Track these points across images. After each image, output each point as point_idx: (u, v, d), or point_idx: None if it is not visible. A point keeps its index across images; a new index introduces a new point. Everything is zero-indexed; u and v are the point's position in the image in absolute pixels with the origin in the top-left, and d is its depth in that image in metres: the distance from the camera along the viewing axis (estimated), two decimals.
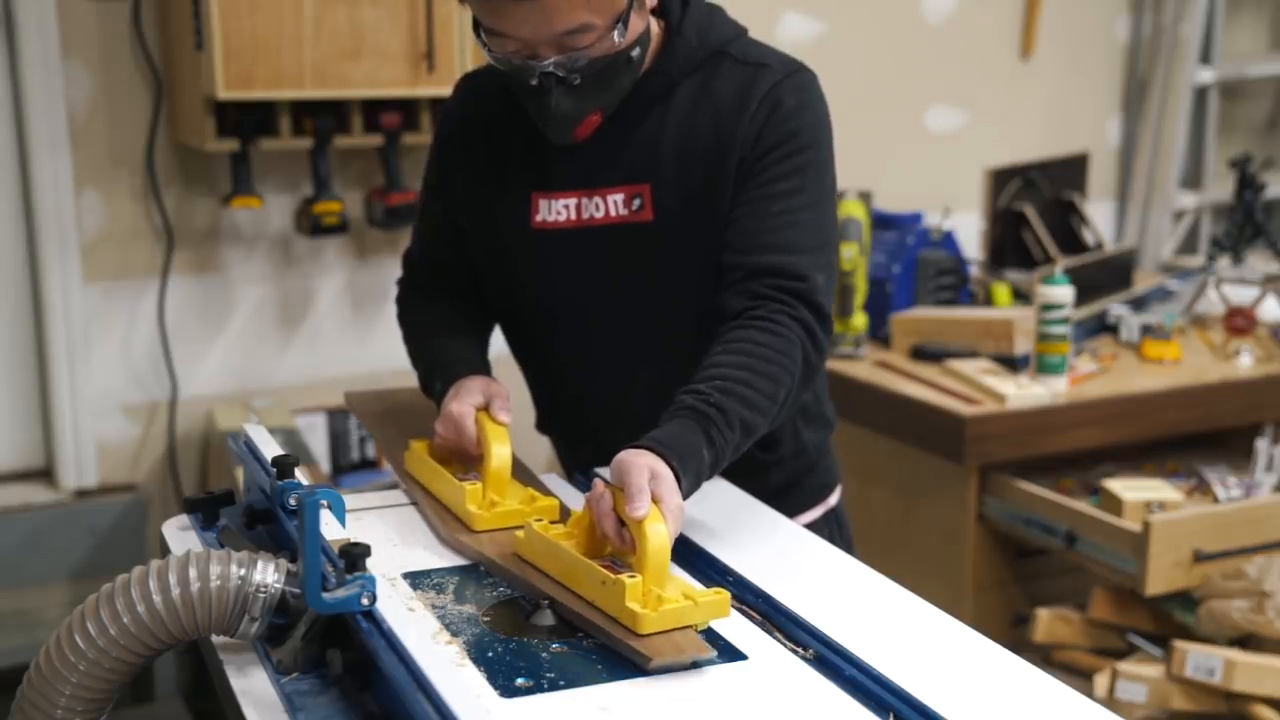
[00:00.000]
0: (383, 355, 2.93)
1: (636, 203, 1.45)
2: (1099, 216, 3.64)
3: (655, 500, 1.18)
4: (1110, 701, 2.30)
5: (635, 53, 1.38)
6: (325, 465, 2.79)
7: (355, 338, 2.91)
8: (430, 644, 1.01)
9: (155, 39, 2.59)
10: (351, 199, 2.76)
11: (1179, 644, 2.30)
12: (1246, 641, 2.35)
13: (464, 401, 1.43)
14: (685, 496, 1.23)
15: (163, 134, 2.63)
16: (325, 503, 1.12)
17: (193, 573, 1.05)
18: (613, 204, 1.46)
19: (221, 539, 1.29)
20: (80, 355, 2.64)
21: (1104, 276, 3.06)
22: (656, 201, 1.44)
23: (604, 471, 1.28)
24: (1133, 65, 3.79)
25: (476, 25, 1.37)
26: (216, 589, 1.06)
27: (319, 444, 2.78)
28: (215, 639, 1.11)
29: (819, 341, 1.40)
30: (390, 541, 1.34)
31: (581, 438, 1.63)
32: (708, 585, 1.23)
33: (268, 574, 1.07)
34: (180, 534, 1.35)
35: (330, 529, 1.12)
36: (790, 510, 1.53)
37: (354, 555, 1.04)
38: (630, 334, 1.51)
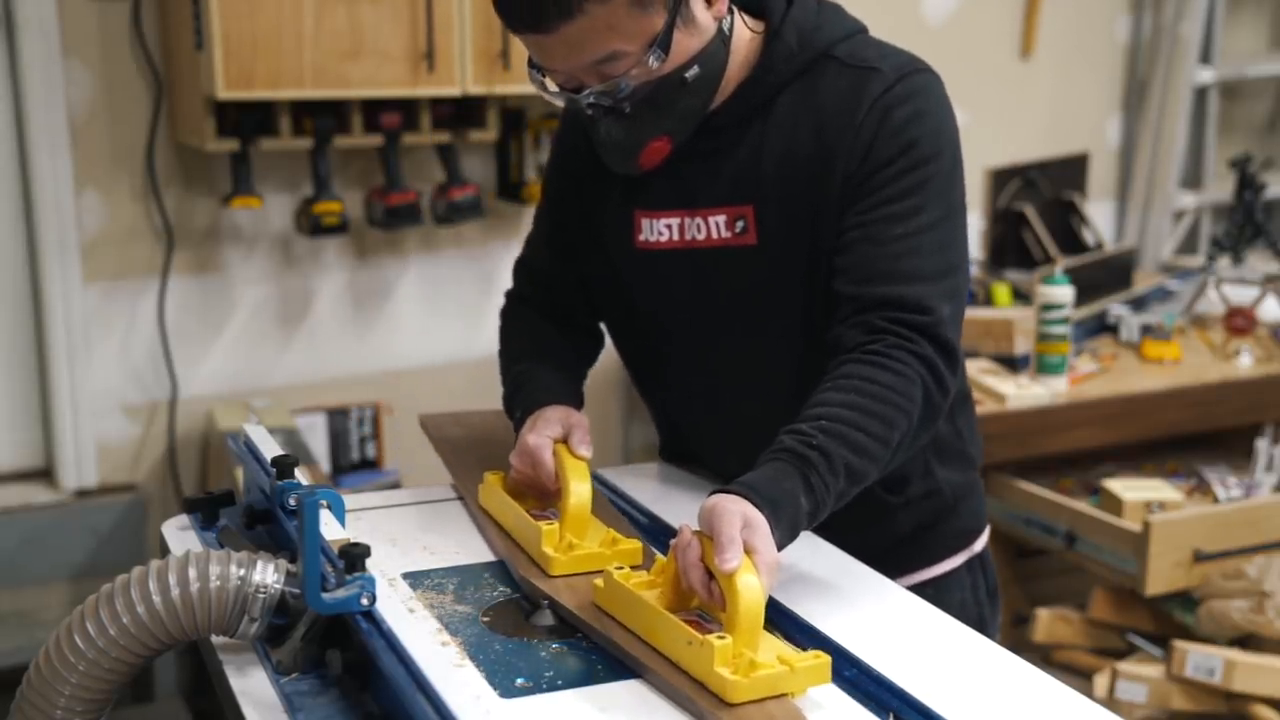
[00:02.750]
0: (383, 355, 2.93)
1: (740, 225, 1.33)
2: (1099, 216, 3.64)
3: (748, 552, 1.07)
4: (1110, 701, 2.30)
5: (691, 73, 1.27)
6: (325, 465, 2.79)
7: (355, 337, 2.91)
8: (430, 644, 1.00)
9: (155, 39, 2.59)
10: (351, 199, 2.76)
11: (1179, 644, 2.30)
12: (1246, 641, 2.35)
13: (541, 433, 1.33)
14: (779, 548, 1.12)
15: (163, 134, 2.63)
16: (325, 503, 1.12)
17: (192, 573, 1.05)
18: (715, 226, 1.35)
19: (221, 539, 1.28)
20: (80, 355, 2.64)
21: (1104, 276, 3.07)
22: (760, 224, 1.32)
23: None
24: (1133, 65, 3.79)
25: (530, 59, 1.29)
26: (216, 589, 1.05)
27: (319, 444, 2.78)
28: (215, 639, 1.11)
29: (943, 380, 1.25)
30: (390, 541, 1.34)
31: (695, 465, 1.54)
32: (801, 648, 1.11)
33: (267, 574, 1.07)
34: (180, 534, 1.35)
35: (330, 529, 1.12)
36: (923, 558, 1.43)
37: (354, 555, 1.04)
38: (735, 360, 1.41)
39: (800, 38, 1.32)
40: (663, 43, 1.23)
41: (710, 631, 1.04)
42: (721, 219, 1.34)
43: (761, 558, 1.07)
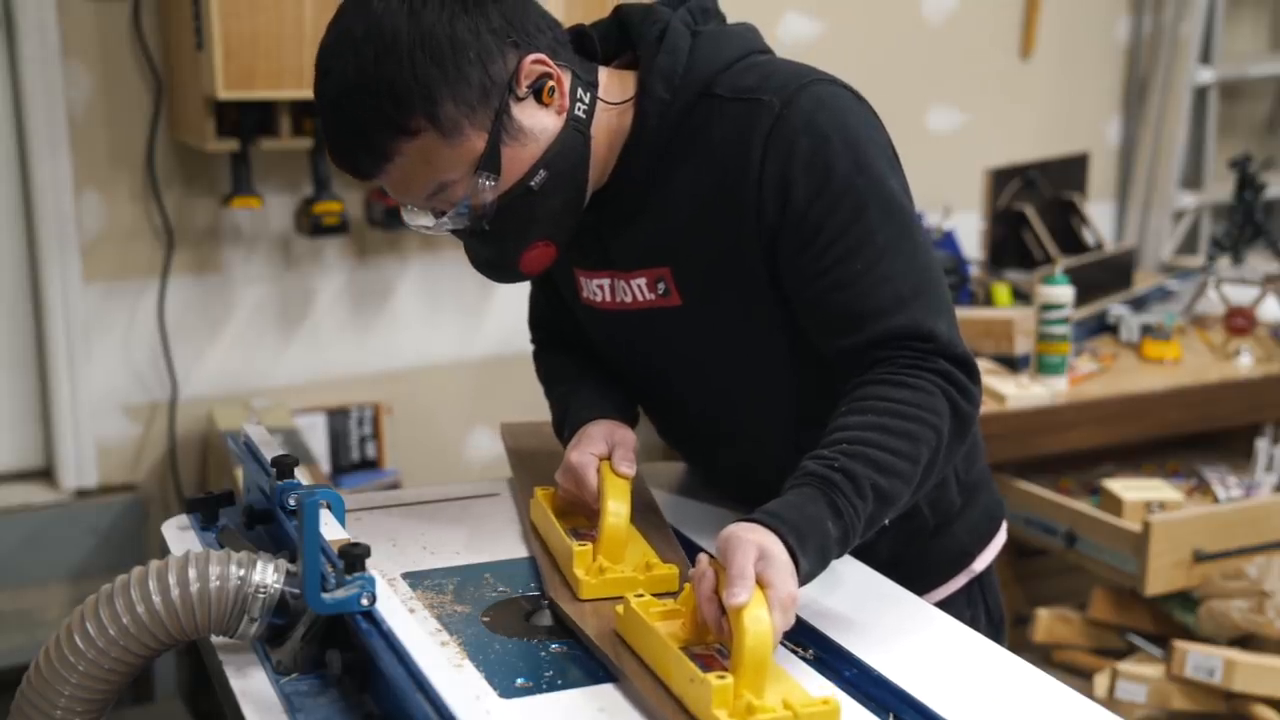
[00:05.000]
0: (383, 355, 2.93)
1: (661, 287, 1.28)
2: (1099, 216, 3.64)
3: (761, 586, 1.01)
4: (1110, 701, 2.29)
5: (538, 180, 1.20)
6: (325, 465, 2.79)
7: (355, 338, 2.90)
8: (429, 644, 0.99)
9: (155, 39, 2.58)
10: (351, 199, 2.75)
11: (1179, 644, 2.30)
12: (1246, 641, 2.35)
13: (585, 451, 1.29)
14: (808, 579, 1.07)
15: (163, 134, 2.62)
16: (325, 503, 1.12)
17: (192, 573, 1.05)
18: (637, 289, 1.30)
19: (221, 539, 1.28)
20: (80, 355, 2.64)
21: (1104, 276, 3.06)
22: (680, 284, 1.27)
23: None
24: (1133, 65, 3.79)
25: None
26: (216, 589, 1.05)
27: (319, 444, 2.78)
28: (215, 639, 1.11)
29: (967, 389, 1.18)
30: (390, 542, 1.34)
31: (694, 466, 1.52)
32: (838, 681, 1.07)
33: (267, 574, 1.07)
34: (180, 534, 1.35)
35: (330, 529, 1.12)
36: (907, 586, 1.32)
37: (353, 556, 1.04)
38: (695, 413, 1.38)
39: (668, 84, 1.23)
40: (488, 164, 1.18)
41: (721, 669, 0.99)
42: (643, 281, 1.30)
43: (775, 593, 1.01)
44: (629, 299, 1.32)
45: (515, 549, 1.34)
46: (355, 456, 2.83)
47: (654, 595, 1.11)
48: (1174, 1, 3.68)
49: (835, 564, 1.13)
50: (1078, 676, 2.43)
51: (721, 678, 0.96)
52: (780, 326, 1.27)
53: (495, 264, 1.27)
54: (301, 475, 1.24)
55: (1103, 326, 3.00)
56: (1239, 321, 2.94)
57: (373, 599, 1.04)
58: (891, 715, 1.03)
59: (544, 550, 1.30)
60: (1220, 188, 3.79)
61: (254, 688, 1.06)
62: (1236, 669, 2.25)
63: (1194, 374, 2.75)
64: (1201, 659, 2.27)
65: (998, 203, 3.12)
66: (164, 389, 2.72)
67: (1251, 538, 2.37)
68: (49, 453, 2.72)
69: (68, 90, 2.54)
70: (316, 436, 2.78)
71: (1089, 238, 3.29)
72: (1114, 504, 2.45)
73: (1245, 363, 2.82)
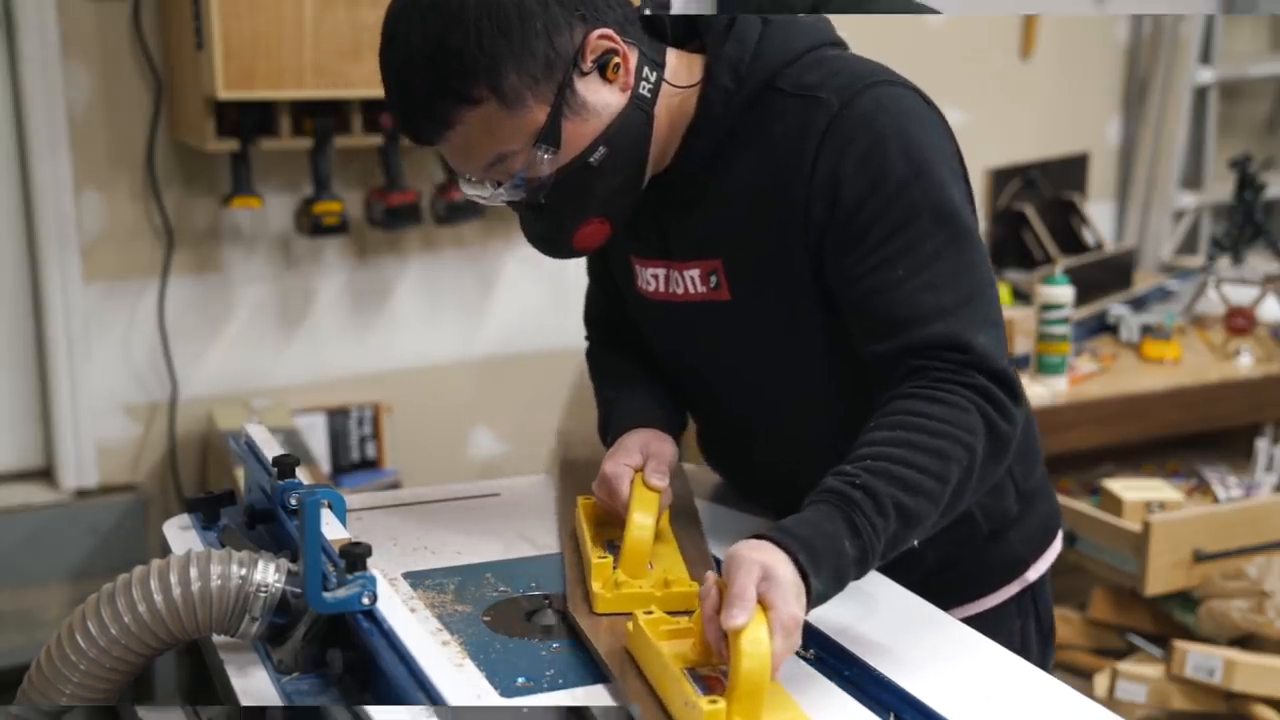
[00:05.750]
0: (383, 355, 2.93)
1: (713, 280, 1.26)
2: (1099, 216, 3.64)
3: (764, 607, 0.97)
4: (1110, 701, 2.29)
5: (597, 156, 1.19)
6: (325, 465, 2.79)
7: (355, 338, 2.90)
8: (430, 643, 0.99)
9: (155, 39, 2.58)
10: (351, 199, 2.75)
11: (1179, 644, 2.30)
12: (1246, 641, 2.35)
13: (619, 461, 1.27)
14: (821, 599, 1.03)
15: (163, 134, 2.62)
16: (326, 502, 1.11)
17: (193, 572, 1.05)
18: (691, 280, 1.28)
19: (222, 539, 1.28)
20: (80, 355, 2.64)
21: (1104, 276, 3.07)
22: (731, 278, 1.25)
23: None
24: (1133, 65, 3.79)
25: None
26: (217, 588, 1.05)
27: (319, 444, 2.78)
28: (216, 639, 1.11)
29: (1004, 406, 1.14)
30: (391, 541, 1.34)
31: (729, 478, 1.49)
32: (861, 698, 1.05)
33: (268, 574, 1.07)
34: (181, 534, 1.35)
35: (331, 529, 1.12)
36: (956, 593, 1.31)
37: (355, 555, 1.04)
38: (735, 415, 1.35)
39: (735, 73, 1.21)
40: (548, 137, 1.16)
41: (723, 692, 0.96)
42: (696, 273, 1.28)
43: (777, 615, 0.97)
44: (681, 290, 1.30)
45: (516, 548, 1.34)
46: (355, 456, 2.83)
47: (668, 613, 1.08)
48: None
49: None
50: (1078, 676, 2.43)
51: (714, 702, 0.93)
52: (822, 328, 1.24)
53: (549, 239, 1.25)
54: (302, 475, 1.24)
55: (1103, 326, 3.00)
56: (1239, 321, 2.94)
57: (374, 598, 1.03)
58: (892, 715, 1.03)
59: (575, 560, 1.27)
60: (1220, 188, 3.80)
61: (255, 687, 1.06)
62: (1236, 669, 2.25)
63: (1194, 374, 2.75)
64: (1201, 659, 2.27)
65: (998, 202, 3.13)
66: (164, 389, 2.72)
67: (1251, 538, 2.36)
68: (49, 453, 2.72)
69: (68, 90, 2.54)
70: (316, 436, 2.78)
71: (1089, 238, 3.29)
72: (1114, 504, 2.45)
73: (1245, 363, 2.82)
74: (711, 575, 1.03)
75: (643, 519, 1.20)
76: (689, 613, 1.07)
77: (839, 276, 1.19)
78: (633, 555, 1.19)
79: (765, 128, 1.21)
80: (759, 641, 0.95)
